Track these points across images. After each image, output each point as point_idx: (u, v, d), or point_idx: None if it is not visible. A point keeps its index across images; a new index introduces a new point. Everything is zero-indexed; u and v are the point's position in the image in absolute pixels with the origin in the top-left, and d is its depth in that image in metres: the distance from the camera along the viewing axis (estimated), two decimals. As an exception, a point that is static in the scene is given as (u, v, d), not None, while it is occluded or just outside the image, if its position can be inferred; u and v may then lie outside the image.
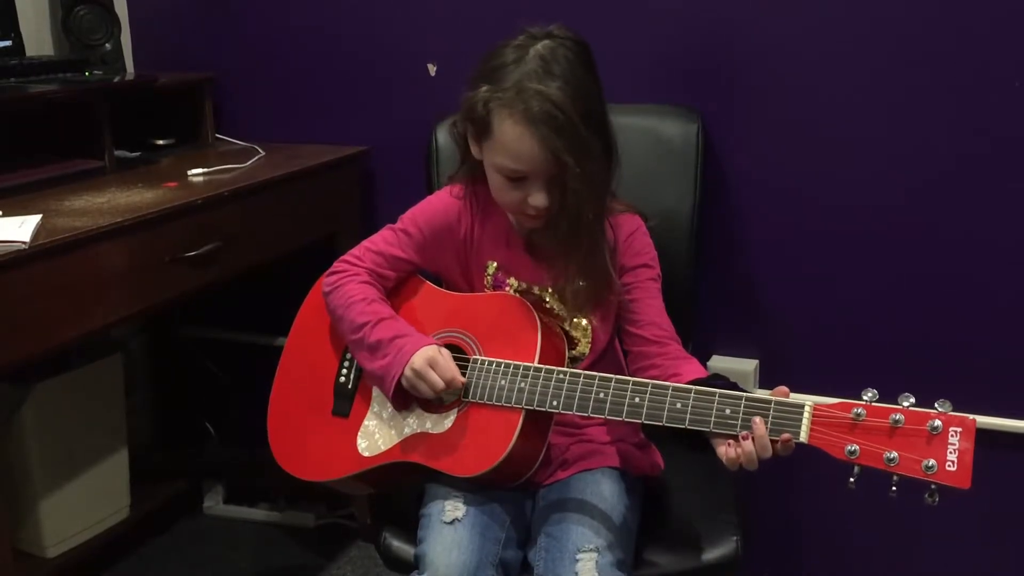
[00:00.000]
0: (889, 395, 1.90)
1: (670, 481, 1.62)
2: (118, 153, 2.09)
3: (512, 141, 1.35)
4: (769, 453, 1.24)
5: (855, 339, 1.98)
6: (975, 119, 1.81)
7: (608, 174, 1.42)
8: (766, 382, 2.06)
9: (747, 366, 2.05)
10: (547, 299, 1.50)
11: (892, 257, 1.92)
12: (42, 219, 1.62)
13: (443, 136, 1.89)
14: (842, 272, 1.96)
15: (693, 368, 1.42)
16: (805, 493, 2.08)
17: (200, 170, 2.02)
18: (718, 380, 1.34)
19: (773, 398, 1.26)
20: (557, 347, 1.45)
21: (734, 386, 1.32)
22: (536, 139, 1.33)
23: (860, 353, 1.98)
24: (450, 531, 1.40)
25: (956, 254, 1.88)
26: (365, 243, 1.59)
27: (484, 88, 1.37)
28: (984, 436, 1.84)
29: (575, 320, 1.50)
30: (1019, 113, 1.78)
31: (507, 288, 1.52)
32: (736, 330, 2.07)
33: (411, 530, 1.49)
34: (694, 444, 1.32)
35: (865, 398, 1.22)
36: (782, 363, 2.05)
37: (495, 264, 1.55)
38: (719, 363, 2.06)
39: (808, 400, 1.26)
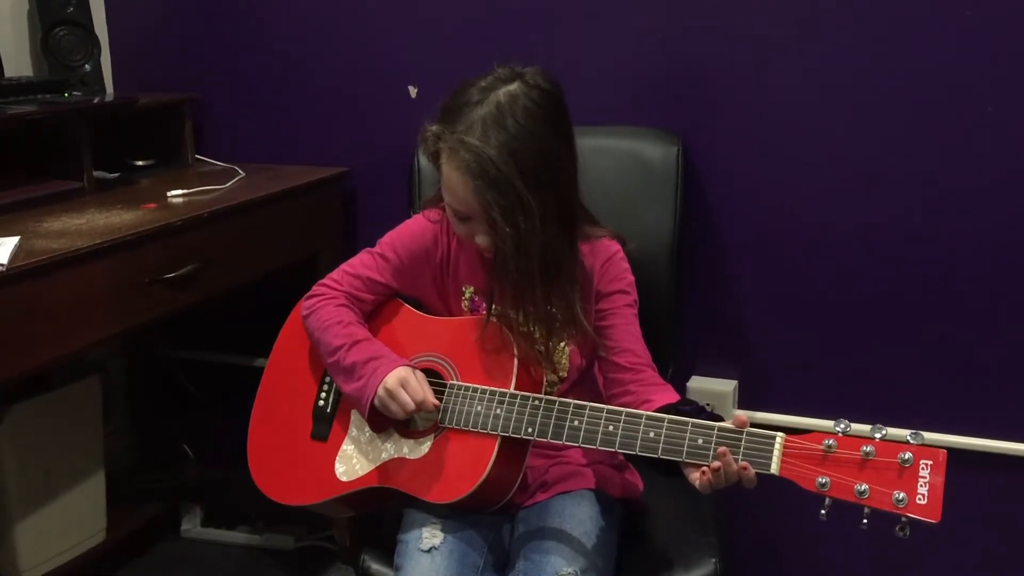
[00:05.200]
0: (867, 416, 1.91)
1: (650, 503, 1.62)
2: (97, 174, 2.08)
3: (452, 184, 1.37)
4: (735, 479, 1.25)
5: (834, 360, 1.99)
6: (954, 140, 1.83)
7: (554, 232, 1.37)
8: (745, 403, 2.07)
9: (726, 387, 2.06)
10: (523, 323, 1.49)
11: (873, 278, 1.93)
12: (20, 240, 1.62)
13: (424, 158, 1.89)
14: (822, 293, 1.97)
15: (666, 395, 1.43)
16: (785, 515, 2.08)
17: (180, 191, 2.02)
18: (687, 406, 1.35)
19: (744, 429, 1.26)
20: (534, 372, 1.45)
21: (702, 410, 1.33)
22: (470, 189, 1.34)
23: (839, 374, 1.99)
24: (427, 559, 1.40)
25: (939, 276, 1.89)
26: (343, 266, 1.60)
27: (436, 125, 1.37)
28: (966, 457, 1.89)
29: (553, 344, 1.50)
30: (994, 135, 1.80)
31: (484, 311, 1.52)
32: (715, 351, 2.08)
33: (390, 553, 1.49)
34: (667, 469, 1.33)
35: (837, 429, 1.22)
36: (761, 384, 2.05)
37: (472, 288, 1.55)
38: (699, 384, 2.07)
39: (782, 423, 1.26)
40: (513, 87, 1.35)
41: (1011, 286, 1.85)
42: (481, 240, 1.41)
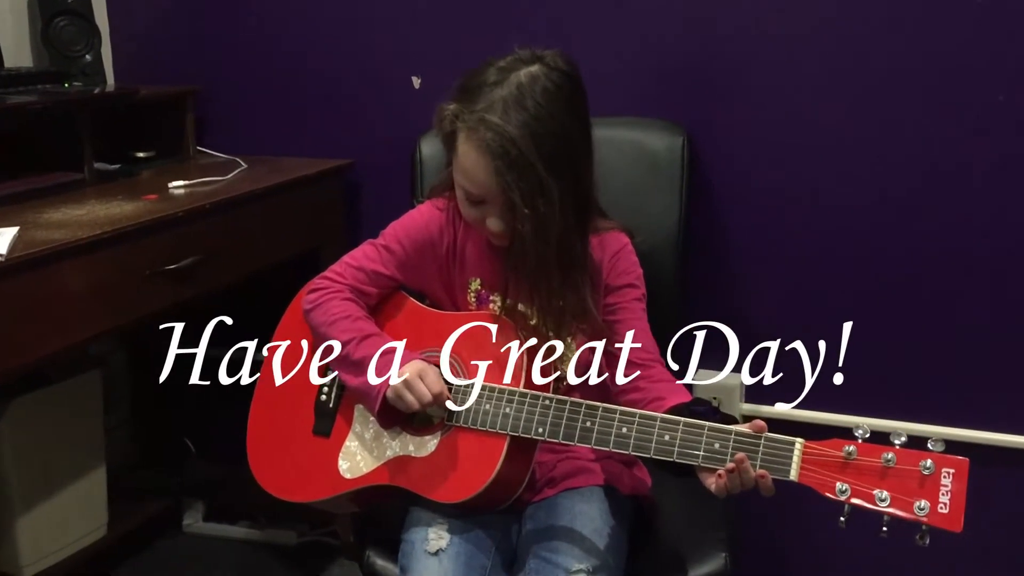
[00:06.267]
0: (873, 410, 1.90)
1: (659, 498, 1.60)
2: (98, 165, 2.07)
3: (469, 164, 1.34)
4: (752, 485, 1.22)
5: (842, 354, 1.98)
6: (964, 131, 1.82)
7: (571, 218, 1.35)
8: (752, 397, 2.05)
9: (733, 380, 2.04)
10: (532, 317, 1.47)
11: (882, 272, 1.92)
12: (19, 232, 1.60)
13: (428, 149, 1.89)
14: (829, 286, 1.96)
15: (677, 394, 1.40)
16: (795, 510, 2.06)
17: (181, 183, 2.01)
18: (699, 406, 1.33)
19: (763, 434, 1.23)
20: (542, 368, 1.42)
21: (716, 410, 1.31)
22: (490, 169, 1.31)
23: (847, 368, 1.97)
24: (434, 563, 1.38)
25: (951, 270, 1.88)
26: (346, 259, 1.56)
27: (454, 104, 1.35)
28: (971, 452, 1.87)
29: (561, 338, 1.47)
30: (1005, 126, 1.79)
31: (491, 305, 1.50)
32: (722, 344, 2.06)
33: (395, 549, 1.47)
34: (678, 470, 1.30)
35: (857, 435, 1.20)
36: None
37: (479, 280, 1.53)
38: (705, 378, 2.05)
39: (789, 417, 1.24)
40: (534, 68, 1.33)
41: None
42: (493, 224, 1.38)
